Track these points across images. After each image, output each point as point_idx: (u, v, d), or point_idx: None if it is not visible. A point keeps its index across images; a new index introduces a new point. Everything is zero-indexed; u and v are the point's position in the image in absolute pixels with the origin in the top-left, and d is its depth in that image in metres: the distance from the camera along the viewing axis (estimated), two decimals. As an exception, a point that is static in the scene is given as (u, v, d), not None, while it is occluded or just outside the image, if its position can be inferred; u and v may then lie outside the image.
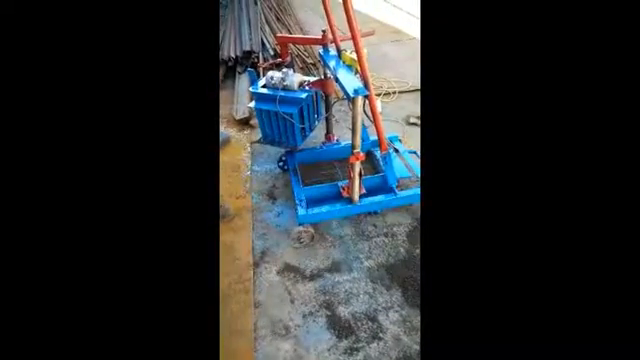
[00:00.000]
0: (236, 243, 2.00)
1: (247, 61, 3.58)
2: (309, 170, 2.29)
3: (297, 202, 1.93)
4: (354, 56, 1.71)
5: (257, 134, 2.88)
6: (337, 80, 1.65)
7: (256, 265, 1.89)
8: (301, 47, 3.63)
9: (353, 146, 1.61)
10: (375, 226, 2.06)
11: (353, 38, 1.49)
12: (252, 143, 2.80)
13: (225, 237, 2.03)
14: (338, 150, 2.33)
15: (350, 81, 1.54)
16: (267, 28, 4.15)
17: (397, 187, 2.01)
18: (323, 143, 2.39)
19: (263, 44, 3.80)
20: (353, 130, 1.56)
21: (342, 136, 2.57)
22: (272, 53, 3.69)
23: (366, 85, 1.54)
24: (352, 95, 1.43)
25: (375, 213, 2.07)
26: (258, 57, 3.59)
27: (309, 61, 3.57)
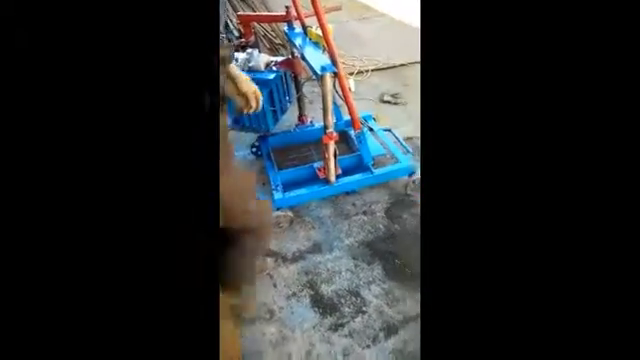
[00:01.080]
0: (214, 233, 1.96)
1: (212, 44, 3.40)
2: (283, 154, 2.25)
3: (273, 187, 1.90)
4: (320, 32, 1.65)
5: (227, 120, 2.78)
6: (304, 58, 1.60)
7: (236, 253, 1.86)
8: (268, 27, 3.49)
9: (325, 126, 1.59)
10: (354, 205, 2.08)
11: (316, 13, 1.44)
12: (223, 130, 2.71)
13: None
14: (312, 132, 2.30)
15: (317, 58, 1.50)
16: (229, 8, 3.94)
17: (373, 165, 2.02)
18: (296, 125, 2.34)
19: (227, 25, 3.62)
20: (324, 109, 1.53)
21: (316, 117, 2.54)
22: (237, 34, 3.52)
23: (334, 62, 1.51)
24: (320, 72, 1.40)
25: (353, 192, 2.09)
26: (222, 39, 3.42)
27: (277, 42, 3.45)
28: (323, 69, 1.40)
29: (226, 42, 3.07)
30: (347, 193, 2.09)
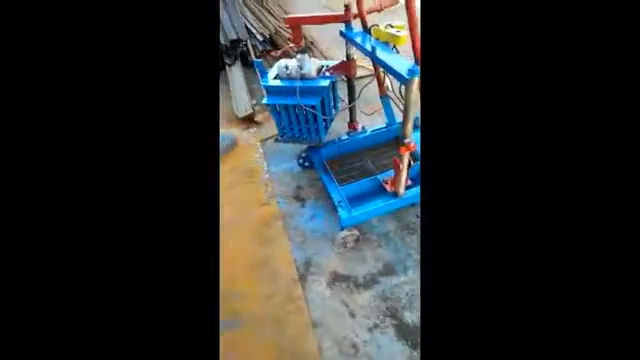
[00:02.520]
0: (274, 257, 1.79)
1: (234, 51, 3.24)
2: (336, 164, 2.08)
3: (337, 204, 1.73)
4: (391, 31, 1.48)
5: (265, 132, 2.61)
6: (379, 61, 1.43)
7: (302, 279, 1.69)
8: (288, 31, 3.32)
9: (404, 135, 1.42)
10: (418, 217, 1.91)
11: (409, 14, 1.27)
12: (262, 142, 2.53)
13: (260, 252, 1.81)
14: (365, 139, 2.13)
15: (400, 61, 1.33)
16: (248, 12, 3.77)
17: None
18: (348, 133, 2.17)
19: (248, 30, 3.45)
20: (405, 117, 1.36)
21: (361, 122, 2.36)
22: (261, 39, 3.36)
23: (417, 62, 1.34)
24: (407, 77, 1.23)
25: (416, 204, 1.92)
26: (246, 45, 3.25)
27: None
28: (411, 73, 1.23)
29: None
30: (411, 205, 1.92)
